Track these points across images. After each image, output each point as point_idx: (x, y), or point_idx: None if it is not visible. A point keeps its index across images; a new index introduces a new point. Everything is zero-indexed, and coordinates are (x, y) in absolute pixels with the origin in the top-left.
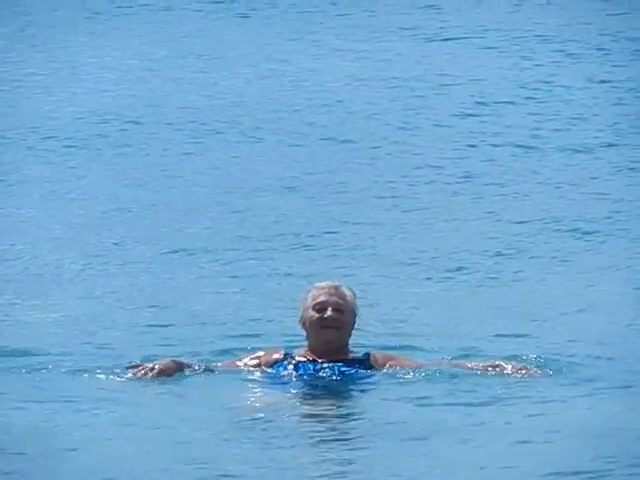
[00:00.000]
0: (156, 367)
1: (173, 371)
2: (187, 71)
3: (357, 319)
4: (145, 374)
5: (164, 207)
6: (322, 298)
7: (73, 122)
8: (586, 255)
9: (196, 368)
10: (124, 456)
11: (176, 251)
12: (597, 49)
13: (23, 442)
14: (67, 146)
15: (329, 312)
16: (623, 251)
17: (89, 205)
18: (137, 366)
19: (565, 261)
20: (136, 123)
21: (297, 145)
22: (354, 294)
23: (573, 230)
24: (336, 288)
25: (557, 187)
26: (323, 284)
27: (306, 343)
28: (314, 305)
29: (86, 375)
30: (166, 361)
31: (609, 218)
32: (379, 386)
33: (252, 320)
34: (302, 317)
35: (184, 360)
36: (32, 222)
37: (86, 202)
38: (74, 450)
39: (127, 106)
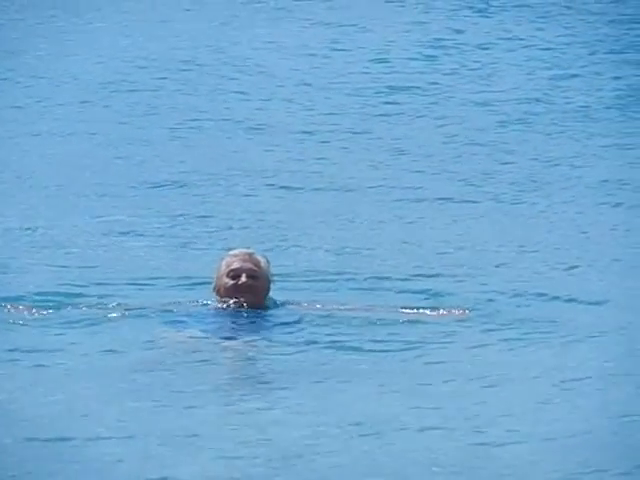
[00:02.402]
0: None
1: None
2: None
3: (271, 285)
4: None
5: None
6: (236, 265)
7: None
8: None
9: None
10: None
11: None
12: None
13: None
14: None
15: (243, 278)
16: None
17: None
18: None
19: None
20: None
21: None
22: (268, 261)
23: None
24: (250, 255)
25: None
26: (237, 251)
27: None
28: (228, 272)
29: None
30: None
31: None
32: (289, 328)
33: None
34: (216, 285)
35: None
36: None
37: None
38: None
39: None
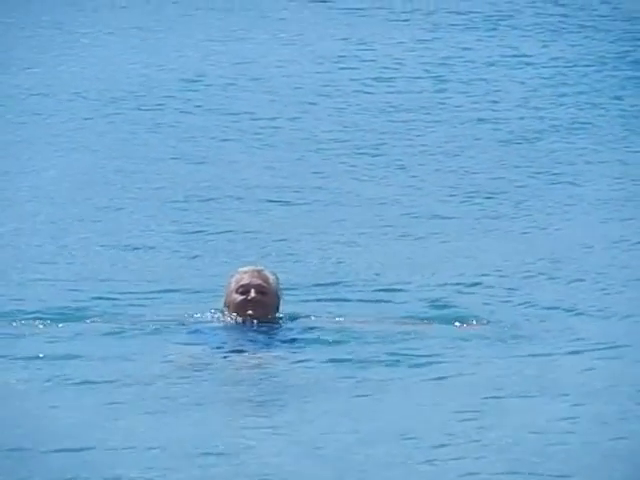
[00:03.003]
0: None
1: None
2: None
3: (280, 301)
4: None
5: None
6: (245, 281)
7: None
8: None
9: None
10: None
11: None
12: None
13: None
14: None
15: (252, 294)
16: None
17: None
18: None
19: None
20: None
21: None
22: (277, 277)
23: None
24: (259, 272)
25: None
26: (246, 268)
27: None
28: (237, 288)
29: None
30: None
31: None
32: (299, 342)
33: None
34: (226, 302)
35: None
36: None
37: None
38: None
39: None
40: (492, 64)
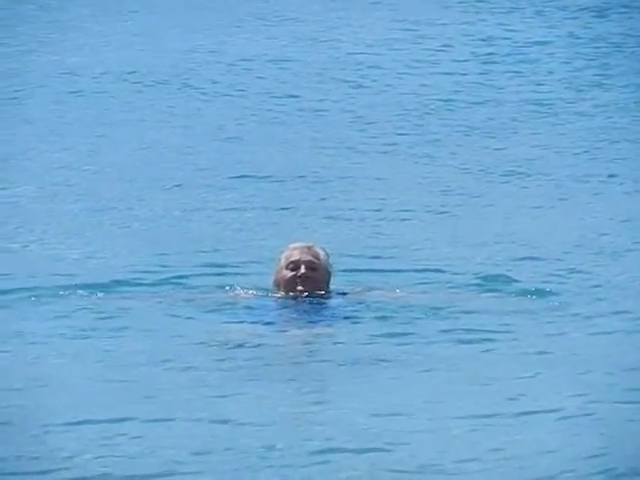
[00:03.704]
0: None
1: None
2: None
3: (331, 277)
4: None
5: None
6: (295, 257)
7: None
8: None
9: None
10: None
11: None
12: None
13: None
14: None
15: (302, 270)
16: None
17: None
18: None
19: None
20: None
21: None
22: (327, 253)
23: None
24: (309, 248)
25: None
26: (296, 244)
27: None
28: (288, 264)
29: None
30: None
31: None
32: (353, 318)
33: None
34: (276, 279)
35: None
36: None
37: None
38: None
39: None
40: (536, 44)
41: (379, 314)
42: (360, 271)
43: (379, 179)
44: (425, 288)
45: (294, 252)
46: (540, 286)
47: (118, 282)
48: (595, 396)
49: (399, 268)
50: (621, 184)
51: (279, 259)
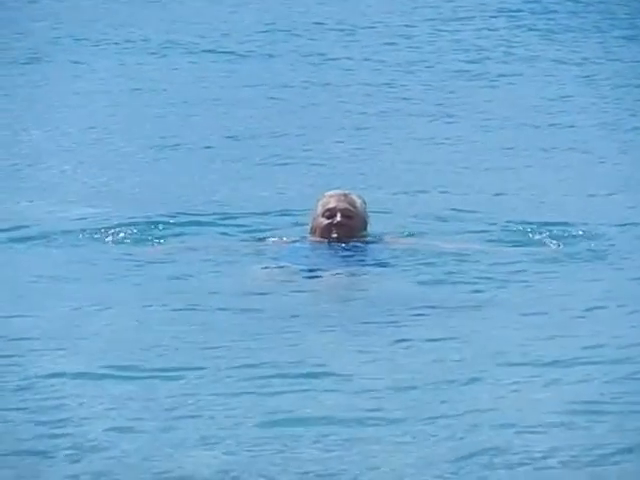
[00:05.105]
0: None
1: None
2: None
3: (368, 226)
4: None
5: None
6: (332, 204)
7: None
8: None
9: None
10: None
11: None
12: None
13: None
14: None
15: (338, 217)
16: None
17: None
18: None
19: None
20: None
21: None
22: (364, 201)
23: None
24: (345, 195)
25: None
26: (333, 192)
27: None
28: (324, 212)
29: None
30: None
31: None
32: (389, 264)
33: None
34: (313, 226)
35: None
36: None
37: None
38: None
39: None
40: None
41: (413, 260)
42: (396, 222)
43: (416, 139)
44: (458, 238)
45: (330, 200)
46: (569, 234)
47: (151, 229)
48: None
49: (431, 215)
50: None
51: (316, 206)
